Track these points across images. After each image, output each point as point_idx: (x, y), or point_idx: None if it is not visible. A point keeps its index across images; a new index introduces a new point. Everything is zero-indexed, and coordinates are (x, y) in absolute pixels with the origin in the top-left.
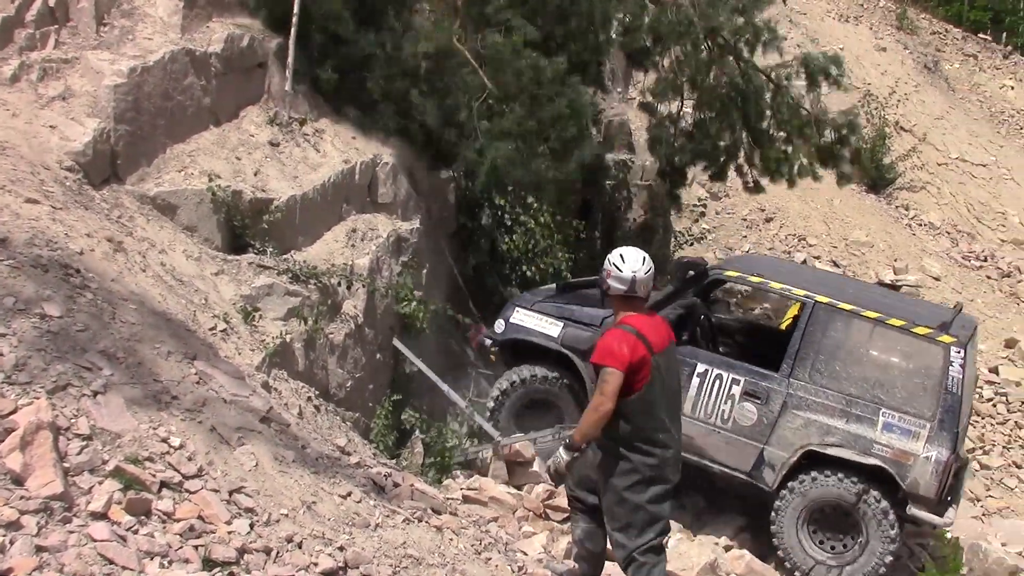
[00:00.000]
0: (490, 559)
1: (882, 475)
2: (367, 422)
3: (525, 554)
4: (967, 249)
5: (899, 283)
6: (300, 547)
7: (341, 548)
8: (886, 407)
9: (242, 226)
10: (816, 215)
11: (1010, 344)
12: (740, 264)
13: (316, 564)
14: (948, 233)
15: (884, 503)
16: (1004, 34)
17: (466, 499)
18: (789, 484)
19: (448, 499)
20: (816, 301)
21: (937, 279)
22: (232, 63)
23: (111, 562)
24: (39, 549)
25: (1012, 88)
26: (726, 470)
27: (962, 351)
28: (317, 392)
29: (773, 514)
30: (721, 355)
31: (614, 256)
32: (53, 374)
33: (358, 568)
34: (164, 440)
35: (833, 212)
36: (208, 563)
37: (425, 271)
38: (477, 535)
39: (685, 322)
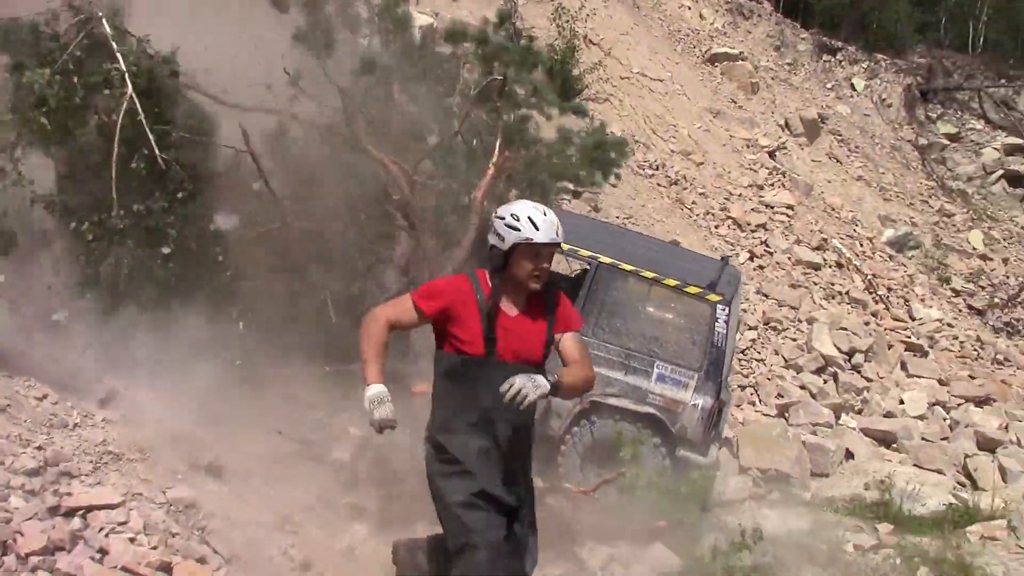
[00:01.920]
0: None
1: (656, 420)
2: None
3: None
4: (642, 159)
5: (579, 190)
6: None
7: (40, 448)
8: (660, 360)
9: None
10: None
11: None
12: None
13: (15, 464)
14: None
15: (657, 439)
16: None
17: None
18: (573, 430)
19: None
20: (600, 262)
21: (614, 186)
22: None
23: None
24: None
25: (689, 8)
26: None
27: (727, 308)
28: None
29: (560, 454)
30: None
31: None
32: None
33: (58, 466)
34: None
35: None
36: None
37: None
38: None
39: None
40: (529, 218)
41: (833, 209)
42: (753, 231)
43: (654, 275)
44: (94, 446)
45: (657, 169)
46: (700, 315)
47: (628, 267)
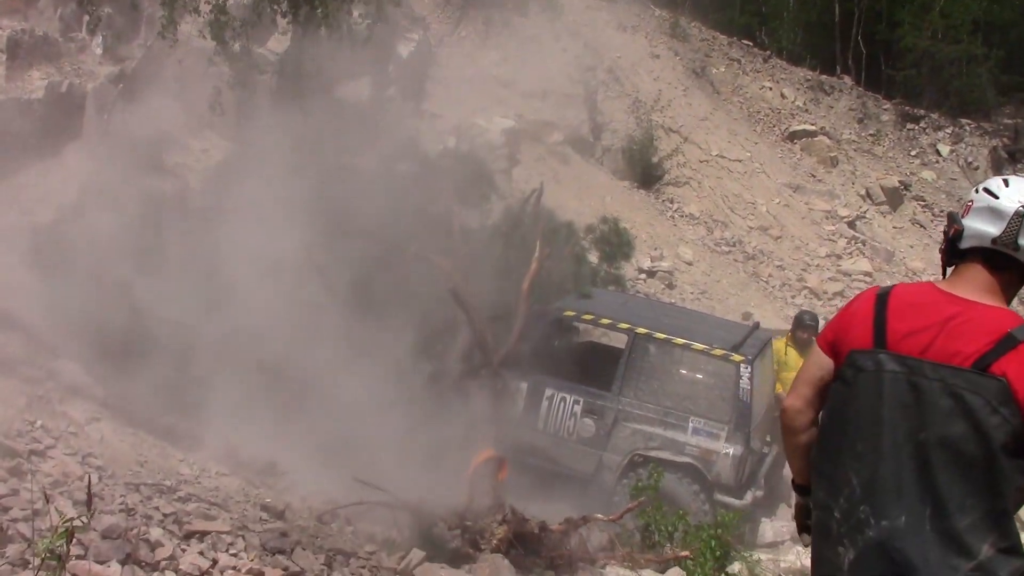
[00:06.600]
0: None
1: (693, 469)
2: None
3: None
4: (719, 236)
5: (655, 269)
6: None
7: (176, 490)
8: (694, 415)
9: None
10: (589, 211)
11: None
12: (577, 304)
13: (154, 503)
14: (705, 223)
15: (696, 487)
16: (767, 39)
17: None
18: (622, 480)
19: None
20: (636, 332)
21: (689, 263)
22: None
23: None
24: None
25: (770, 89)
26: (574, 473)
27: (750, 366)
28: None
29: (613, 504)
30: (566, 379)
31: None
32: None
33: (186, 504)
34: None
35: (605, 208)
36: None
37: None
38: None
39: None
40: None
41: (915, 273)
42: (830, 299)
43: (684, 341)
44: (209, 492)
45: (734, 246)
46: (726, 374)
47: (661, 335)
